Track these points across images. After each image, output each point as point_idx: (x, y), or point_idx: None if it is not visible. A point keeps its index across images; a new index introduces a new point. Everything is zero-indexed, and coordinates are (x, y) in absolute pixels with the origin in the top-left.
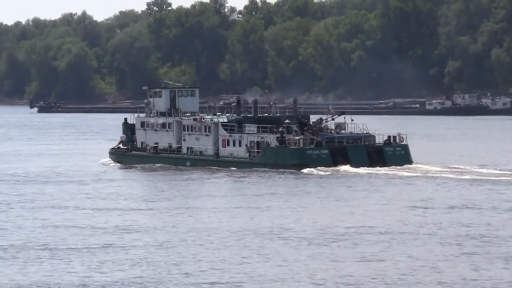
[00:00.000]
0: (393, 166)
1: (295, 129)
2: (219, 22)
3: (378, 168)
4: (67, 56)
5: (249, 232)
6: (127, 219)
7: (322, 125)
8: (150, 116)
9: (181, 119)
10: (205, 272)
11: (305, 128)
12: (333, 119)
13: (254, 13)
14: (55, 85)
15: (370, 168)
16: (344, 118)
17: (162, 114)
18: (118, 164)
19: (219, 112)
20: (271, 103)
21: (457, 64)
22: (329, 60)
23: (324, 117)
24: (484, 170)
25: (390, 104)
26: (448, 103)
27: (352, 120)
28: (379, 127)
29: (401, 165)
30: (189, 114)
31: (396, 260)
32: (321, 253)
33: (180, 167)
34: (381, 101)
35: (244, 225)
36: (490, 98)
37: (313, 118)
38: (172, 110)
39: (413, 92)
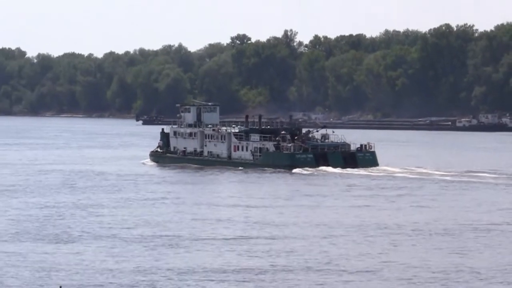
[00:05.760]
0: (364, 168)
1: (288, 138)
2: (289, 53)
3: (351, 169)
4: (166, 79)
5: (384, 227)
6: (264, 214)
7: (310, 135)
8: (181, 127)
9: (204, 129)
10: (343, 261)
11: (296, 138)
12: (317, 131)
13: (317, 46)
14: (156, 102)
15: (344, 169)
16: (326, 130)
17: (190, 125)
18: (155, 163)
19: (234, 124)
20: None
21: (482, 90)
22: (378, 85)
23: (311, 129)
24: None
25: (427, 121)
26: (474, 121)
27: (333, 132)
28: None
29: (369, 167)
30: (211, 126)
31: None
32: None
33: (210, 166)
34: (420, 119)
35: (370, 221)
36: (509, 117)
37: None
38: (198, 122)
39: (446, 112)
